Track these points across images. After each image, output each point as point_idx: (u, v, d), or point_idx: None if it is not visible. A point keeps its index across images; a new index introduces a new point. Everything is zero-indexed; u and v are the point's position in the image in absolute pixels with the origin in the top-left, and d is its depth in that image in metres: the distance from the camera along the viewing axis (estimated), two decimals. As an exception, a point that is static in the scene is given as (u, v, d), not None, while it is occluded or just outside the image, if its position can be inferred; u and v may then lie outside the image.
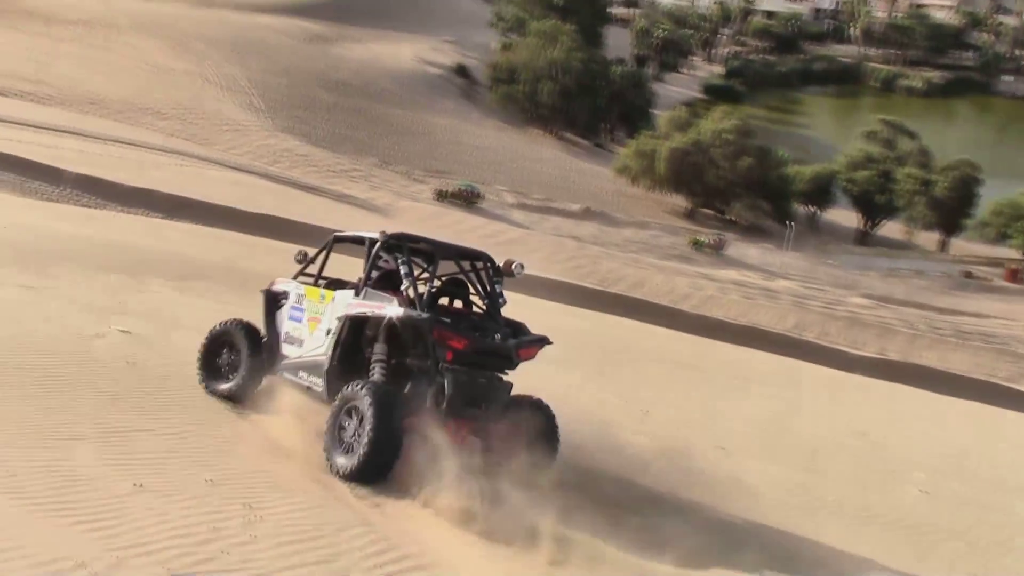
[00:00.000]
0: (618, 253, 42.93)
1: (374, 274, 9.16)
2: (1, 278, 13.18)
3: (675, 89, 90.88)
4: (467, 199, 45.27)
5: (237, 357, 9.76)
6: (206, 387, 9.88)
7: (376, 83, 62.13)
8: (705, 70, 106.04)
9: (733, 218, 58.54)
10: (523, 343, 8.91)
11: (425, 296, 8.76)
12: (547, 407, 9.22)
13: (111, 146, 37.32)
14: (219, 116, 48.83)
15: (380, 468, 8.14)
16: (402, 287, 8.89)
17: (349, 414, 8.28)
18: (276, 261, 20.51)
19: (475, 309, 9.39)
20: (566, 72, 64.63)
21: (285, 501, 7.36)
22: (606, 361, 19.74)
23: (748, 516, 9.66)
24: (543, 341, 9.06)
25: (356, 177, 45.02)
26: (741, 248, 49.99)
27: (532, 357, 8.99)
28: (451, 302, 9.42)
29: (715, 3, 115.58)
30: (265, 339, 9.86)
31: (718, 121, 59.02)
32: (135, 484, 6.93)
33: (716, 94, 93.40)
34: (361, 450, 8.04)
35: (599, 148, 68.06)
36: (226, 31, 62.12)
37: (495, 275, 9.33)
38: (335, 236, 9.92)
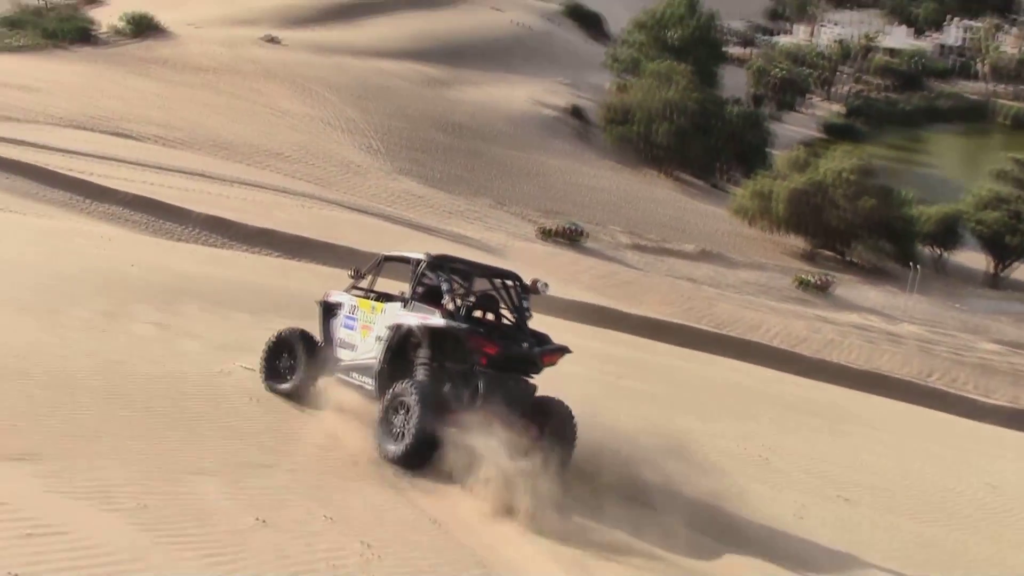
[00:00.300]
0: (734, 295, 42.20)
1: (419, 289, 10.37)
2: (133, 315, 13.69)
3: (793, 128, 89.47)
4: (570, 237, 45.25)
5: (295, 361, 11.04)
6: (267, 386, 11.09)
7: (491, 125, 62.91)
8: (824, 109, 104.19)
9: (854, 260, 56.98)
10: (546, 351, 10.08)
11: (462, 309, 10.02)
12: (567, 408, 10.12)
13: (237, 188, 38.62)
14: (339, 158, 50.11)
15: (423, 454, 9.27)
16: (443, 301, 10.05)
17: (397, 409, 9.44)
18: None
19: (504, 321, 10.53)
20: (681, 112, 64.30)
21: (402, 540, 7.37)
22: (722, 406, 19.34)
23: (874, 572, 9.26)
24: (564, 350, 10.20)
25: (471, 218, 45.50)
26: (863, 291, 48.59)
27: (554, 363, 10.14)
28: (484, 314, 10.50)
29: (835, 41, 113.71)
30: (320, 344, 11.15)
31: (838, 161, 57.70)
32: (256, 519, 7.05)
33: (836, 133, 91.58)
34: (408, 439, 9.23)
35: (715, 188, 67.33)
36: (347, 77, 63.91)
37: (522, 292, 10.48)
38: (384, 256, 11.30)
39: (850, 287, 48.47)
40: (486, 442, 8.82)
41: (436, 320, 9.79)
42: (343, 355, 10.78)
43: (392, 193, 46.50)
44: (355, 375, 10.45)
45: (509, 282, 10.57)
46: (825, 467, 14.95)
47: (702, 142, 65.51)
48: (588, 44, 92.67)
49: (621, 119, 66.22)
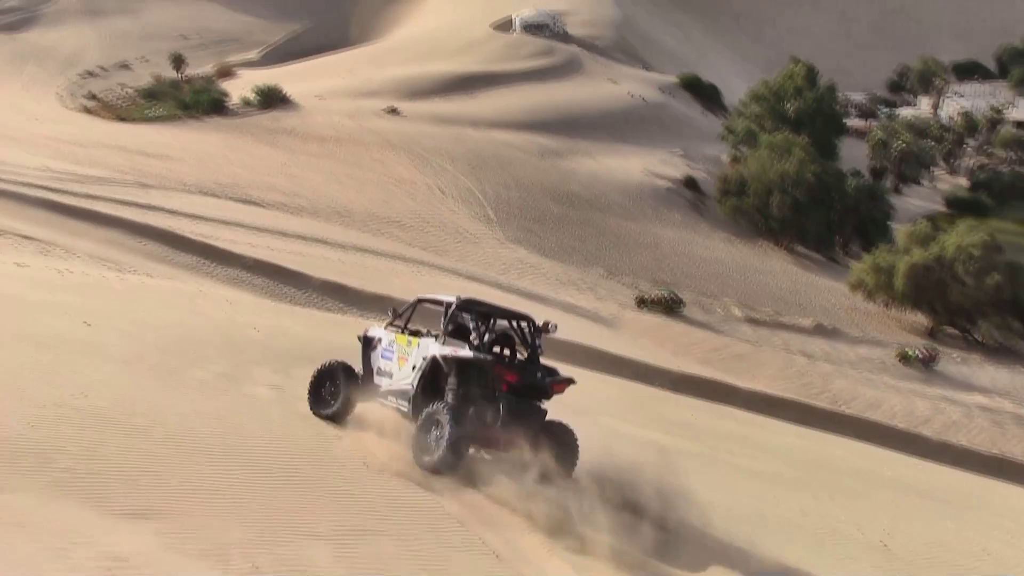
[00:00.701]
0: (851, 371, 41.02)
1: (450, 327, 11.95)
2: (252, 377, 14.08)
3: (914, 202, 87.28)
4: (666, 305, 44.82)
5: (337, 388, 12.57)
6: (314, 411, 12.57)
7: (605, 195, 63.18)
8: (948, 182, 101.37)
9: (980, 338, 54.86)
10: (555, 380, 11.80)
11: (486, 344, 11.73)
12: (571, 429, 11.85)
13: (354, 254, 39.60)
14: (454, 226, 50.95)
15: (453, 464, 10.90)
16: (470, 337, 11.72)
17: (431, 427, 11.06)
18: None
19: (519, 355, 12.22)
20: (798, 185, 63.45)
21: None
22: (837, 486, 18.72)
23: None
24: (570, 381, 11.94)
25: (583, 288, 45.53)
26: (989, 371, 46.64)
27: (562, 391, 11.83)
28: (502, 349, 12.21)
29: (960, 113, 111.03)
30: (359, 373, 12.69)
31: (963, 235, 55.90)
32: (364, 586, 7.10)
33: (960, 207, 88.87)
34: (439, 451, 10.83)
35: (832, 262, 65.92)
36: (465, 147, 65.24)
37: (535, 331, 12.13)
38: (419, 298, 12.96)
39: (976, 366, 46.61)
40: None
41: (465, 352, 11.50)
42: (382, 382, 12.42)
43: (505, 261, 46.96)
44: (392, 398, 12.13)
45: (524, 323, 12.24)
46: (948, 555, 14.30)
47: (820, 215, 64.42)
48: (704, 116, 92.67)
49: (736, 191, 65.69)
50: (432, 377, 11.73)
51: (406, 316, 12.68)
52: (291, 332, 20.43)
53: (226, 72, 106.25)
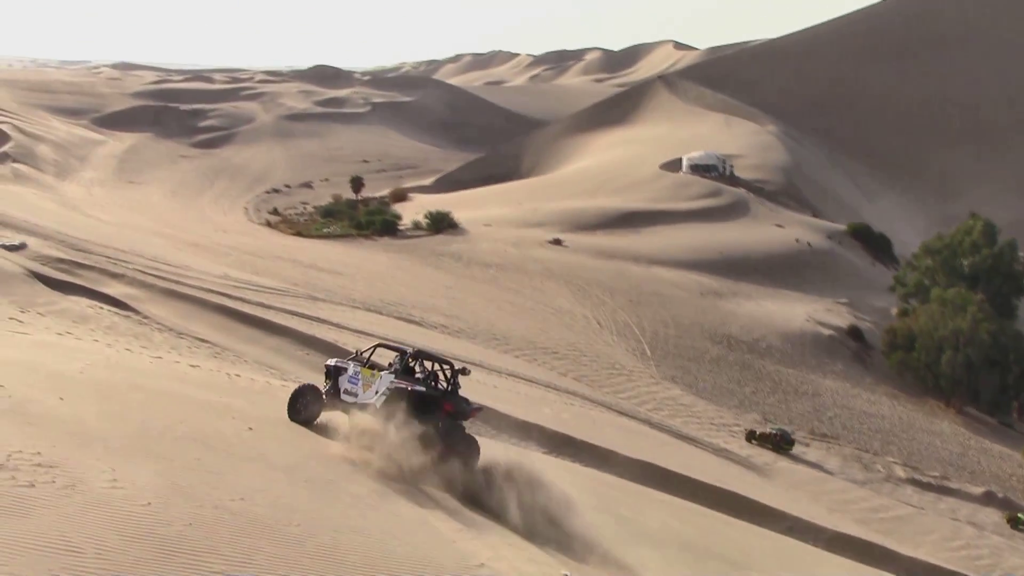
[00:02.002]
0: (1025, 547, 38.16)
1: (400, 366, 17.07)
2: (400, 495, 14.19)
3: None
4: (776, 444, 43.03)
5: (307, 402, 17.31)
6: (290, 418, 17.19)
7: (764, 339, 62.00)
8: None
9: None
10: (472, 408, 17.11)
11: (427, 380, 16.98)
12: (476, 440, 16.93)
13: (507, 379, 39.90)
14: (609, 359, 50.82)
15: None
16: (417, 375, 17.06)
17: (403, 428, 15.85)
18: (643, 504, 20.45)
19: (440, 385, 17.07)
20: (972, 343, 60.74)
21: None
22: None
23: None
24: (480, 408, 18.65)
25: (736, 432, 44.35)
26: None
27: (475, 417, 18.55)
28: (433, 380, 17.11)
29: None
30: (324, 392, 17.47)
31: None
32: None
33: None
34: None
35: (1007, 427, 62.24)
36: (625, 281, 65.59)
37: (455, 373, 16.96)
38: (379, 343, 18.79)
39: None
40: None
41: (419, 387, 16.65)
42: (348, 399, 17.12)
43: (657, 399, 46.37)
44: (355, 410, 16.73)
45: (447, 367, 17.11)
46: None
47: (994, 376, 61.28)
48: (872, 266, 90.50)
49: (904, 345, 63.37)
50: (391, 399, 16.50)
51: (368, 355, 17.74)
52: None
53: (400, 196, 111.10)
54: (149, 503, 10.52)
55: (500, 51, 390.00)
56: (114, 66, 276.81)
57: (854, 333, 68.66)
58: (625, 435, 35.04)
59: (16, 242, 45.34)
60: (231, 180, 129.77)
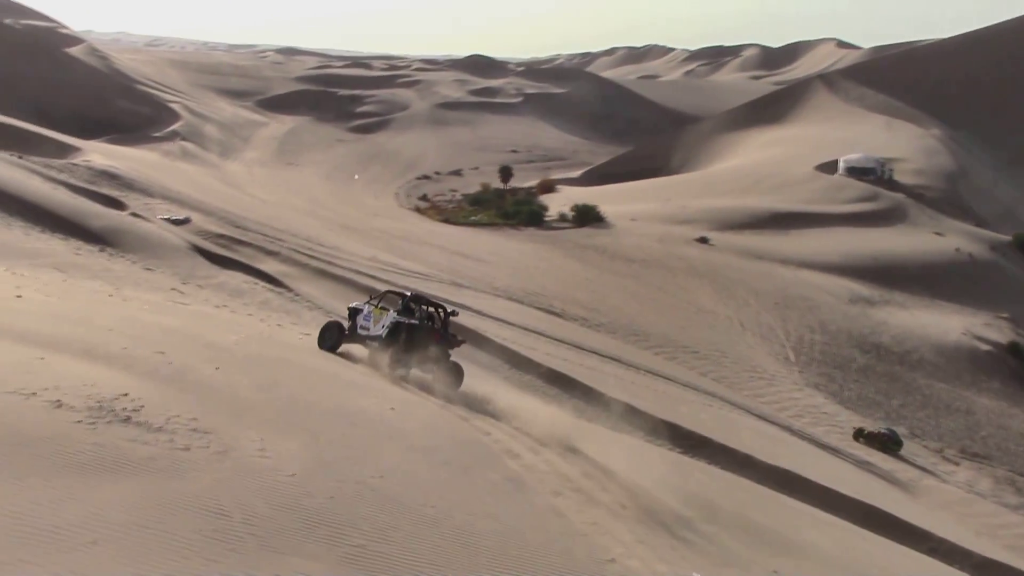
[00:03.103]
0: None
1: (401, 306, 21.41)
2: (536, 485, 14.28)
3: None
4: (883, 443, 41.22)
5: (332, 334, 21.67)
6: (319, 346, 21.48)
7: (916, 351, 59.61)
8: None
9: None
10: (456, 341, 21.11)
11: (422, 317, 21.08)
12: (461, 367, 20.83)
13: (645, 376, 39.59)
14: (750, 363, 49.83)
15: (403, 372, 20.00)
16: (416, 314, 21.05)
17: (395, 356, 20.14)
18: (779, 512, 19.96)
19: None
20: None
21: None
22: None
23: None
24: (463, 341, 21.82)
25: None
26: None
27: (459, 347, 21.27)
28: (432, 320, 21.27)
29: None
30: (346, 326, 21.73)
31: None
32: None
33: None
34: (399, 366, 19.97)
35: None
36: (771, 283, 64.14)
37: (447, 315, 21.34)
38: (388, 291, 24.21)
39: None
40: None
41: (413, 320, 20.91)
42: (362, 332, 21.28)
43: (799, 406, 45.23)
44: (369, 340, 21.13)
45: (442, 310, 21.42)
46: None
47: None
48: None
49: (1069, 365, 59.97)
50: (394, 332, 20.73)
51: (378, 298, 22.24)
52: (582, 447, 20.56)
53: (548, 187, 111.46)
54: (294, 474, 10.91)
55: (655, 45, 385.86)
56: (279, 51, 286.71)
57: (1014, 350, 65.23)
58: (764, 440, 34.29)
59: (181, 216, 47.66)
60: (384, 165, 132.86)
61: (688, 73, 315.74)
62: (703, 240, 74.01)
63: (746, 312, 58.22)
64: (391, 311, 20.96)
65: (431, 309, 21.34)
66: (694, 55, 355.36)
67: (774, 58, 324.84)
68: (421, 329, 20.60)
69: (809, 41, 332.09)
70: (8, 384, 11.22)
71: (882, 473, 37.76)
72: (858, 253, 76.21)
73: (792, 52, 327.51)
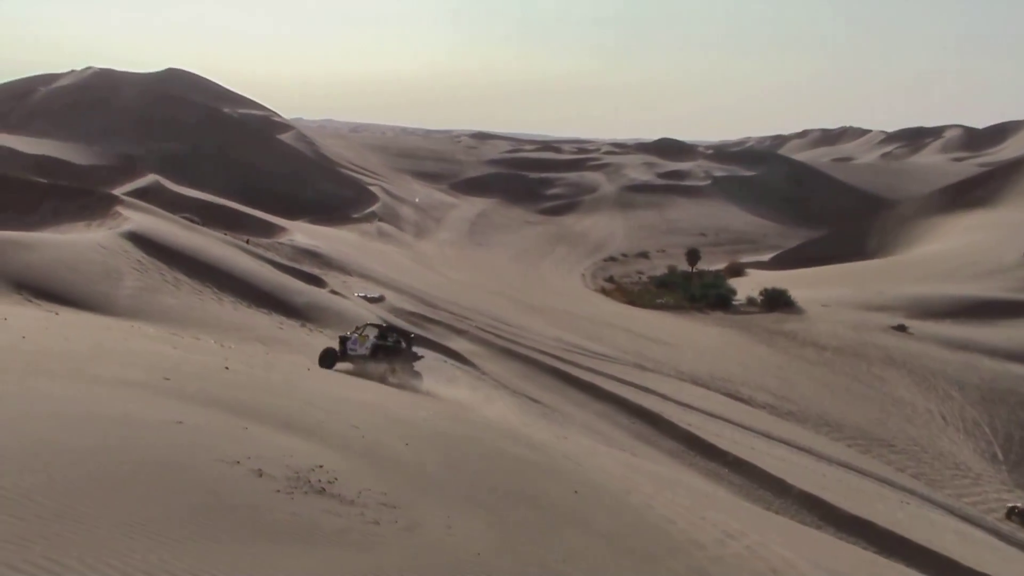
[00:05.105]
0: None
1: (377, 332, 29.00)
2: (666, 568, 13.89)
3: None
4: None
5: (330, 357, 27.83)
6: (320, 366, 27.30)
7: None
8: None
9: None
10: (417, 356, 28.68)
11: (393, 340, 28.69)
12: (419, 372, 28.21)
13: (837, 469, 37.99)
14: (953, 459, 47.03)
15: (382, 376, 27.04)
16: (388, 337, 28.62)
17: (379, 362, 27.54)
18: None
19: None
20: None
21: None
22: None
23: None
24: (422, 356, 29.35)
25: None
26: None
27: (419, 360, 28.72)
28: (397, 342, 28.56)
29: None
30: (339, 352, 28.09)
31: None
32: None
33: None
34: (379, 372, 27.35)
35: None
36: (976, 375, 60.59)
37: (410, 339, 29.15)
38: (367, 324, 30.01)
39: None
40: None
41: (387, 343, 27.95)
42: (351, 352, 27.79)
43: (1007, 508, 42.19)
44: (356, 358, 27.58)
45: (407, 335, 29.24)
46: None
47: None
48: None
49: None
50: (375, 350, 27.48)
51: (361, 328, 28.94)
52: (769, 540, 19.89)
53: (736, 270, 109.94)
54: (479, 553, 11.04)
55: (850, 127, 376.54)
56: (473, 135, 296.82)
57: None
58: (967, 544, 32.13)
59: (376, 294, 49.64)
60: (571, 247, 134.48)
61: (885, 155, 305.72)
62: (901, 328, 70.86)
63: (948, 405, 55.13)
64: (371, 337, 28.26)
65: (399, 336, 29.13)
66: (892, 136, 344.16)
67: (978, 138, 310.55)
68: (393, 349, 28.08)
69: (1016, 121, 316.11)
70: (215, 452, 11.91)
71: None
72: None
73: (998, 132, 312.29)
